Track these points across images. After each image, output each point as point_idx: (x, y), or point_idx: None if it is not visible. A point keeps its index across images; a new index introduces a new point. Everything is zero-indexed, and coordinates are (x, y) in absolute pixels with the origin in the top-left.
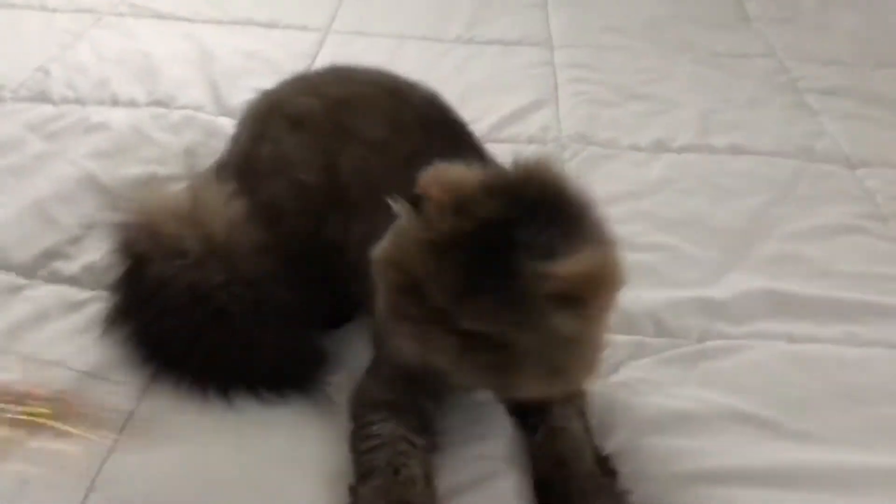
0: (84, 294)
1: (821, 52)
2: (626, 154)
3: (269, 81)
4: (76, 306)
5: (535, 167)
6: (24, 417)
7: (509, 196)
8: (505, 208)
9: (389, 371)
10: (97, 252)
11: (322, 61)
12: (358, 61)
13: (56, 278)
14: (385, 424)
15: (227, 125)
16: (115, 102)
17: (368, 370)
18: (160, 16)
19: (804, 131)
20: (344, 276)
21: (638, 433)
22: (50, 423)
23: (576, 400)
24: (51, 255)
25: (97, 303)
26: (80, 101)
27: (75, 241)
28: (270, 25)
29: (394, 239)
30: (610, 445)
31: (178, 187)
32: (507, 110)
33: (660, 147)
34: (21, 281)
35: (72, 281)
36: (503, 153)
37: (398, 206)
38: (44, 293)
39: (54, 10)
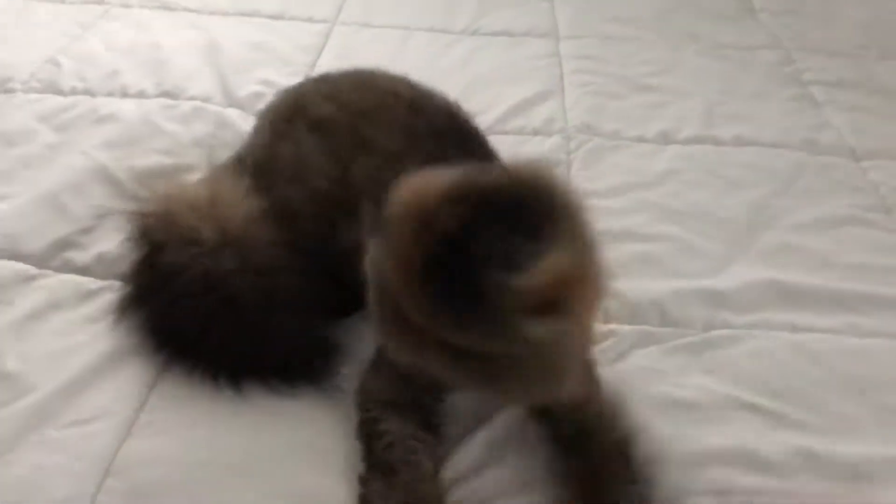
0: (96, 283)
1: (826, 43)
2: (631, 145)
3: (276, 73)
4: (89, 295)
5: (517, 171)
6: None
7: (474, 204)
8: (466, 218)
9: (389, 370)
10: (109, 242)
11: (329, 53)
12: (364, 53)
13: (68, 268)
14: (391, 421)
15: (236, 116)
16: (124, 93)
17: (370, 366)
18: (167, 7)
19: (809, 123)
20: (353, 273)
21: (643, 421)
22: None
23: (596, 394)
24: (63, 244)
25: (109, 292)
26: (89, 93)
27: (87, 231)
28: (277, 17)
29: (372, 256)
30: None
31: (197, 179)
32: (513, 102)
33: (665, 138)
34: (34, 271)
35: (84, 270)
36: (509, 145)
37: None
38: (56, 283)
39: (63, 1)
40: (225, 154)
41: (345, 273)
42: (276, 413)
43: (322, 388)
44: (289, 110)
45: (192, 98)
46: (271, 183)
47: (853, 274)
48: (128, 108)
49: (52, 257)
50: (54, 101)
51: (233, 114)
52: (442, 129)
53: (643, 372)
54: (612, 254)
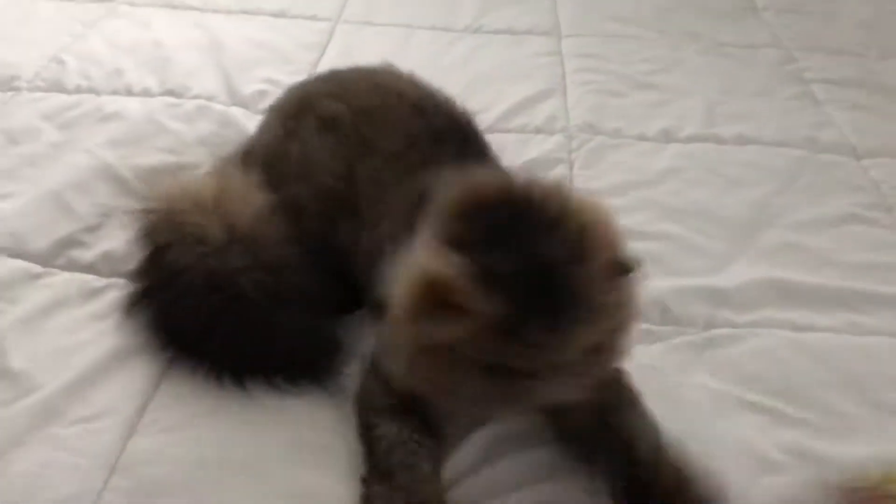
0: (101, 281)
1: (828, 42)
2: (633, 144)
3: (279, 71)
4: (94, 293)
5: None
6: None
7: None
8: (530, 246)
9: (387, 378)
10: (114, 240)
11: (332, 51)
12: (367, 51)
13: (73, 266)
14: (389, 425)
15: (240, 115)
16: (128, 92)
17: (368, 371)
18: (171, 5)
19: (810, 121)
20: (354, 272)
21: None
22: None
23: (637, 402)
24: (68, 243)
25: (114, 290)
26: (94, 91)
27: (92, 229)
28: (280, 15)
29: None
30: None
31: (204, 173)
32: (515, 100)
33: (667, 137)
34: (39, 269)
35: (89, 268)
36: (511, 143)
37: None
38: (61, 281)
39: None
40: (230, 149)
41: (346, 271)
42: (280, 412)
43: (325, 388)
44: (297, 107)
45: (195, 96)
46: (280, 180)
47: (854, 272)
48: (132, 106)
49: (57, 255)
50: (59, 99)
51: (236, 112)
52: (442, 131)
53: (644, 370)
54: None
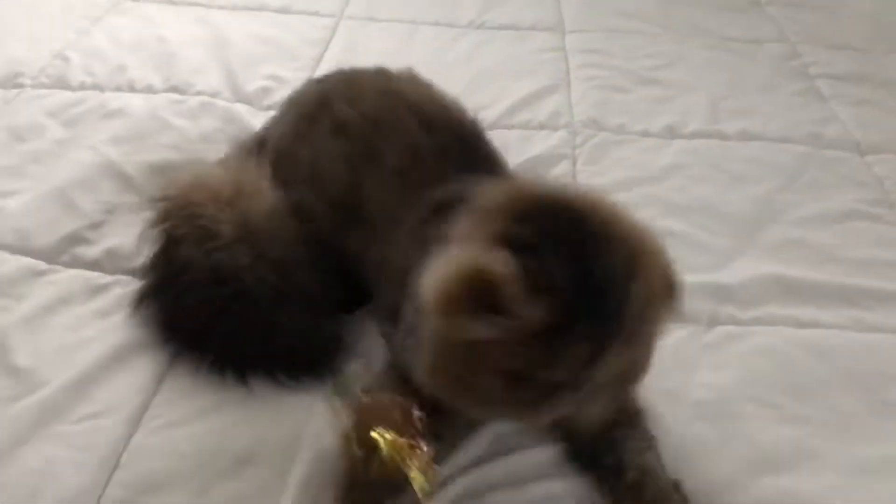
0: (105, 278)
1: (833, 37)
2: (637, 140)
3: (283, 68)
4: (98, 290)
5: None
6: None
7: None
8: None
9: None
10: (118, 237)
11: (335, 47)
12: (371, 47)
13: (78, 263)
14: None
15: (244, 111)
16: (132, 88)
17: (381, 373)
18: (175, 1)
19: (815, 117)
20: (359, 274)
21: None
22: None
23: (637, 421)
24: (72, 240)
25: (119, 287)
26: (98, 88)
27: (96, 225)
28: (283, 11)
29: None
30: None
31: (219, 164)
32: (519, 96)
33: (671, 133)
34: (43, 266)
35: (93, 265)
36: (515, 139)
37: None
38: (66, 278)
39: None
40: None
41: (350, 271)
42: (283, 406)
43: (326, 384)
44: (314, 106)
45: (199, 93)
46: (289, 181)
47: (858, 268)
48: (136, 103)
49: (61, 252)
50: (63, 96)
51: (240, 109)
52: (448, 148)
53: None
54: None
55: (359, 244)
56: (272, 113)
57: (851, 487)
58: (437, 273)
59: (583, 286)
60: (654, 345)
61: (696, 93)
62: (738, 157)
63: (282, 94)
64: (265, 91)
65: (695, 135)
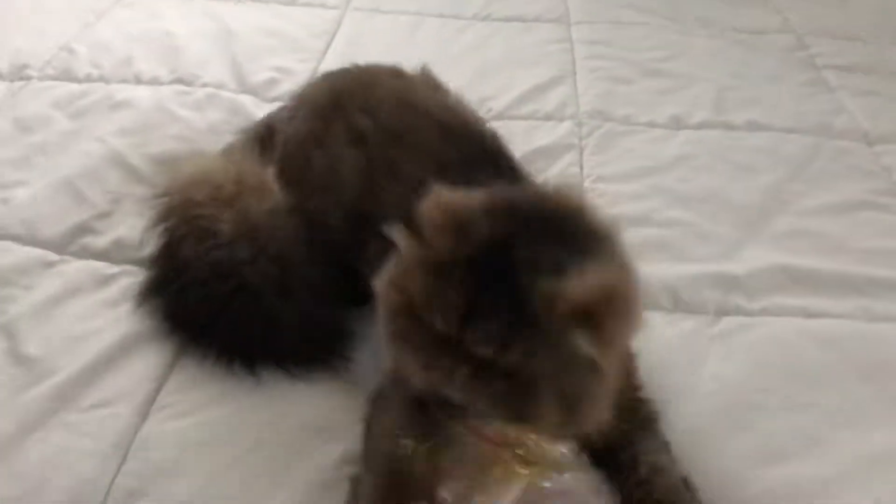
0: (114, 269)
1: (840, 27)
2: (643, 130)
3: (289, 59)
4: (106, 280)
5: (550, 191)
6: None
7: (512, 216)
8: (507, 228)
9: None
10: (126, 227)
11: (341, 39)
12: (376, 39)
13: (86, 253)
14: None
15: (249, 103)
16: (138, 80)
17: (376, 401)
18: None
19: (822, 108)
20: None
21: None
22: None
23: (651, 425)
24: (80, 230)
25: (127, 277)
26: (104, 80)
27: (104, 216)
28: (289, 3)
29: (395, 264)
30: None
31: (221, 157)
32: (525, 87)
33: (677, 123)
34: (52, 256)
35: (101, 256)
36: (521, 130)
37: (396, 232)
38: (74, 268)
39: None
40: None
41: (365, 272)
42: (290, 395)
43: (333, 372)
44: (327, 106)
45: (205, 85)
46: (302, 186)
47: (866, 258)
48: (142, 94)
49: (70, 243)
50: (69, 88)
51: (246, 100)
52: (473, 159)
53: (655, 356)
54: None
55: (376, 254)
56: (278, 104)
57: (861, 477)
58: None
59: (501, 256)
60: (595, 365)
61: (702, 83)
62: (745, 148)
63: (287, 85)
64: (271, 82)
65: (701, 125)
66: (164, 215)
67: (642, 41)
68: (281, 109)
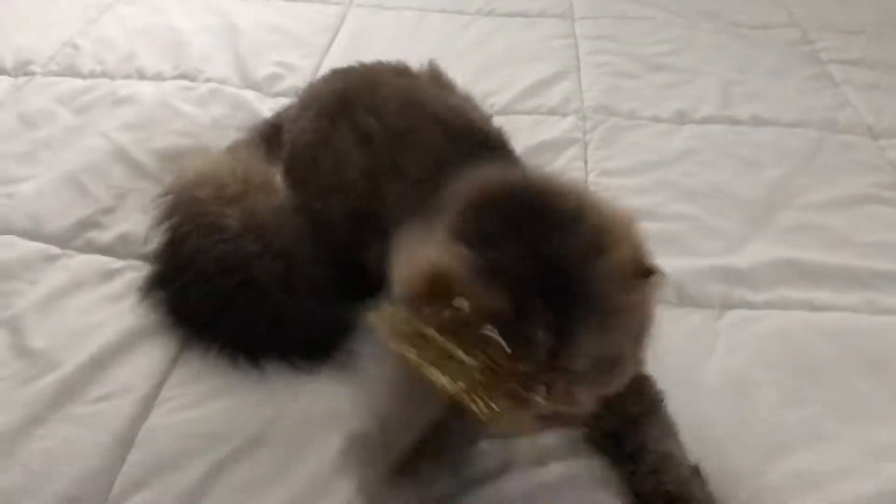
0: (118, 263)
1: (845, 22)
2: (648, 125)
3: (292, 55)
4: (110, 274)
5: (521, 181)
6: None
7: (517, 224)
8: (522, 235)
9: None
10: (130, 222)
11: (344, 35)
12: (380, 34)
13: (90, 248)
14: None
15: (253, 98)
16: (142, 76)
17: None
18: None
19: (827, 102)
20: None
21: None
22: None
23: (657, 407)
24: (85, 225)
25: (131, 271)
26: (107, 75)
27: (108, 211)
28: None
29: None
30: None
31: (227, 154)
32: (529, 82)
33: (682, 118)
34: (56, 250)
35: (106, 250)
36: (525, 125)
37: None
38: (79, 262)
39: None
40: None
41: (368, 269)
42: (294, 388)
43: (337, 366)
44: (334, 105)
45: (209, 80)
46: (308, 186)
47: (871, 252)
48: (145, 90)
49: (74, 237)
50: (73, 83)
51: (249, 95)
52: (473, 158)
53: (660, 349)
54: None
55: (378, 255)
56: (281, 99)
57: (867, 469)
58: (401, 271)
59: (542, 271)
60: (640, 328)
61: (706, 78)
62: (749, 142)
63: (291, 80)
64: (274, 78)
65: (706, 120)
66: (169, 212)
67: (647, 36)
68: (288, 108)
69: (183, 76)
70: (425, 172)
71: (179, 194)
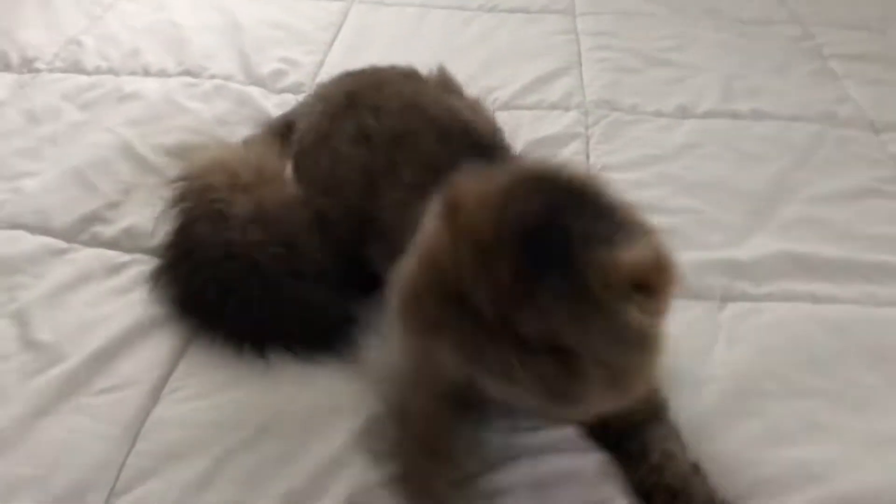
0: (124, 257)
1: (846, 17)
2: (650, 120)
3: (295, 51)
4: (116, 268)
5: (561, 166)
6: None
7: (547, 192)
8: (546, 203)
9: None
10: (136, 216)
11: (347, 31)
12: (382, 31)
13: (96, 242)
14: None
15: (257, 94)
16: (146, 72)
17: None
18: None
19: (828, 96)
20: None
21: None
22: None
23: (661, 413)
24: (91, 219)
25: (137, 265)
26: (112, 72)
27: (114, 205)
28: None
29: (426, 250)
30: None
31: (243, 146)
32: (531, 77)
33: (683, 112)
34: (63, 245)
35: (111, 244)
36: (527, 120)
37: (433, 211)
38: (85, 256)
39: None
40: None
41: (369, 266)
42: (301, 378)
43: (342, 356)
44: (341, 104)
45: (213, 76)
46: (310, 184)
47: (873, 244)
48: (150, 86)
49: (80, 232)
50: (78, 80)
51: (254, 91)
52: (465, 161)
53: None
54: None
55: (380, 256)
56: (285, 95)
57: (868, 460)
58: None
59: (546, 230)
60: (644, 340)
61: (708, 73)
62: (751, 136)
63: (294, 77)
64: (278, 74)
65: (708, 114)
66: (181, 197)
67: (648, 32)
68: (301, 105)
69: (187, 73)
70: (418, 176)
71: (193, 180)
